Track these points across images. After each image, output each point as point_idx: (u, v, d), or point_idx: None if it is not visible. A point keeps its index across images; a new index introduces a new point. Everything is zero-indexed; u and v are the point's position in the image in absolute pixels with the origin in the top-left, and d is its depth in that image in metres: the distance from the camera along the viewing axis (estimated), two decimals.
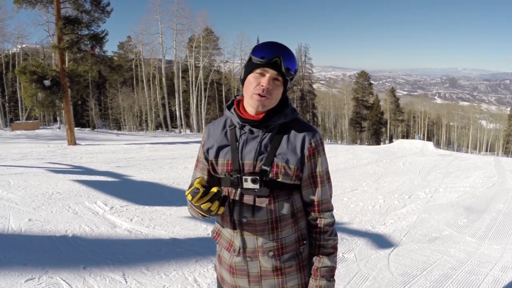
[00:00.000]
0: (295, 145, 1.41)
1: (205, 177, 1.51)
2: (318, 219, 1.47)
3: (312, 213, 1.48)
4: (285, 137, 1.42)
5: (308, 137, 1.42)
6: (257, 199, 1.40)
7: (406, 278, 3.54)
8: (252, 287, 1.47)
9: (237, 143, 1.43)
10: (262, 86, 1.35)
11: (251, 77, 1.38)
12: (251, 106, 1.40)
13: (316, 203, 1.46)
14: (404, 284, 3.43)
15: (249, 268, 1.45)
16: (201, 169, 1.53)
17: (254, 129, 1.42)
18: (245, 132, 1.43)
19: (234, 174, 1.41)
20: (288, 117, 1.44)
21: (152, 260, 3.76)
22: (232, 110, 1.47)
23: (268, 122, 1.41)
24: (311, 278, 1.47)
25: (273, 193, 1.40)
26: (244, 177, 1.38)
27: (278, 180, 1.39)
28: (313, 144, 1.43)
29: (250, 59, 1.39)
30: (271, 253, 1.42)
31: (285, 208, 1.42)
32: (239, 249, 1.44)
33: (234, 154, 1.42)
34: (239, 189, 1.41)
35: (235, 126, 1.46)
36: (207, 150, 1.49)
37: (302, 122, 1.48)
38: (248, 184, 1.38)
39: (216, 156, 1.46)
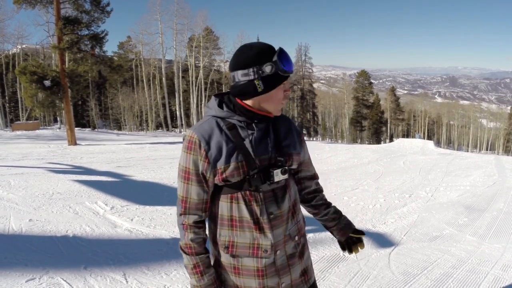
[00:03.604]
0: (293, 133, 1.55)
1: (207, 188, 1.43)
2: (318, 184, 1.76)
3: (314, 182, 1.73)
4: (282, 128, 1.52)
5: (294, 125, 1.59)
6: (277, 191, 1.45)
7: (407, 277, 3.54)
8: (283, 279, 1.48)
9: (243, 142, 1.41)
10: (288, 92, 1.45)
11: (279, 89, 1.41)
12: (274, 112, 1.46)
13: (315, 175, 1.74)
14: (405, 283, 3.43)
15: (278, 262, 1.46)
16: (198, 182, 1.41)
17: (259, 125, 1.45)
18: (252, 129, 1.43)
19: (253, 173, 1.40)
20: None
21: (153, 259, 3.76)
22: (228, 109, 1.43)
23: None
24: (337, 221, 1.73)
25: (287, 181, 1.49)
26: (274, 171, 1.41)
27: (291, 167, 1.51)
28: (299, 130, 1.60)
29: (276, 72, 1.36)
30: (296, 238, 1.52)
31: (296, 192, 1.57)
32: (271, 246, 1.43)
33: (246, 154, 1.39)
34: (260, 186, 1.41)
35: (235, 125, 1.42)
36: (214, 162, 1.38)
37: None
38: (279, 176, 1.42)
39: (227, 162, 1.38)
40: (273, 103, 1.43)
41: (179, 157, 1.48)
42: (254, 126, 1.43)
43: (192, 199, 1.43)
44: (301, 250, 1.55)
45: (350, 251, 1.72)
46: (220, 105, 1.45)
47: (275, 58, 1.36)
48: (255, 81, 1.36)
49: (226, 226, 1.44)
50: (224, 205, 1.43)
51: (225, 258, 1.47)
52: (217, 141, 1.38)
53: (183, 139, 1.43)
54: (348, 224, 1.74)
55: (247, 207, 1.40)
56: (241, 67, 1.37)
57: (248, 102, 1.42)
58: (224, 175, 1.38)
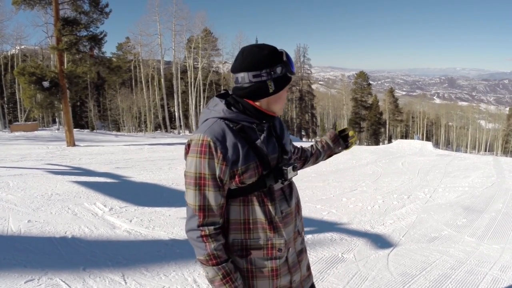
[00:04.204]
0: (285, 130, 1.62)
1: (223, 193, 1.39)
2: (303, 148, 1.91)
3: (296, 149, 1.87)
4: (278, 126, 1.58)
5: (283, 122, 1.65)
6: (285, 188, 1.49)
7: (406, 278, 3.54)
8: (294, 277, 1.51)
9: (256, 143, 1.42)
10: (287, 93, 1.52)
11: (285, 90, 1.46)
12: (278, 112, 1.49)
13: (296, 149, 1.87)
14: (404, 284, 3.43)
15: (289, 260, 1.49)
16: (215, 187, 1.35)
17: (265, 125, 1.48)
18: (262, 130, 1.46)
19: (267, 172, 1.42)
20: None
21: (152, 261, 3.76)
22: (237, 110, 1.42)
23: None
24: (332, 146, 1.96)
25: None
26: (288, 169, 1.44)
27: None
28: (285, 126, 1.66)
29: (285, 74, 1.42)
30: (303, 233, 1.59)
31: (296, 187, 1.61)
32: (285, 244, 1.45)
33: (260, 154, 1.41)
34: (272, 186, 1.44)
35: (243, 127, 1.41)
36: (233, 164, 1.36)
37: None
38: (291, 173, 1.46)
39: (244, 163, 1.37)
40: (280, 103, 1.46)
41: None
42: (263, 126, 1.46)
43: (211, 205, 1.35)
44: (305, 245, 1.63)
45: (350, 140, 1.99)
46: (227, 107, 1.42)
47: (284, 59, 1.39)
48: (268, 82, 1.38)
49: (238, 230, 1.42)
50: (235, 209, 1.41)
51: (238, 264, 1.45)
52: (232, 143, 1.35)
53: (189, 145, 1.38)
54: (330, 136, 1.97)
55: (261, 208, 1.41)
56: (253, 69, 1.37)
57: (257, 102, 1.42)
58: (241, 177, 1.36)
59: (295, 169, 1.47)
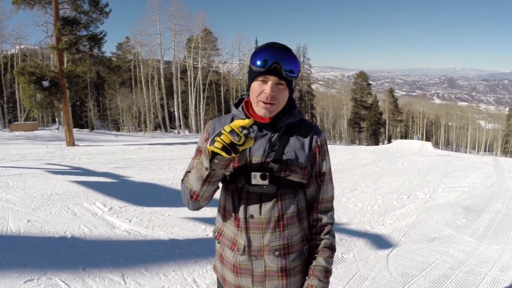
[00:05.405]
0: (303, 144, 1.45)
1: None
2: (317, 218, 1.49)
3: (313, 212, 1.50)
4: (293, 136, 1.45)
5: (315, 136, 1.47)
6: (263, 196, 1.40)
7: (405, 278, 3.54)
8: (256, 287, 1.46)
9: None
10: (266, 93, 1.35)
11: (254, 85, 1.38)
12: (258, 113, 1.41)
13: (317, 201, 1.50)
14: (403, 284, 3.43)
15: (254, 268, 1.44)
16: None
17: (266, 127, 1.44)
18: (254, 130, 1.43)
19: (241, 171, 1.40)
20: (296, 118, 1.47)
21: (151, 261, 3.76)
22: (240, 108, 1.48)
23: (278, 121, 1.44)
24: (307, 277, 1.46)
25: (280, 191, 1.41)
26: (253, 173, 1.38)
27: (287, 178, 1.40)
28: (319, 143, 1.47)
29: (250, 66, 1.40)
30: (277, 253, 1.42)
31: (292, 207, 1.44)
32: (244, 247, 1.43)
33: (242, 151, 1.40)
34: (245, 186, 1.40)
35: None
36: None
37: (308, 122, 1.52)
38: (257, 180, 1.38)
39: None
40: (253, 100, 1.41)
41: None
42: (254, 128, 1.43)
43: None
44: (287, 269, 1.44)
45: None
46: (236, 105, 1.53)
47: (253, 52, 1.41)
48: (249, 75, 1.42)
49: (220, 213, 1.53)
50: (222, 194, 1.51)
51: (216, 243, 1.57)
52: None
53: None
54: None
55: (233, 202, 1.44)
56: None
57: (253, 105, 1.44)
58: None
59: (263, 177, 1.37)
